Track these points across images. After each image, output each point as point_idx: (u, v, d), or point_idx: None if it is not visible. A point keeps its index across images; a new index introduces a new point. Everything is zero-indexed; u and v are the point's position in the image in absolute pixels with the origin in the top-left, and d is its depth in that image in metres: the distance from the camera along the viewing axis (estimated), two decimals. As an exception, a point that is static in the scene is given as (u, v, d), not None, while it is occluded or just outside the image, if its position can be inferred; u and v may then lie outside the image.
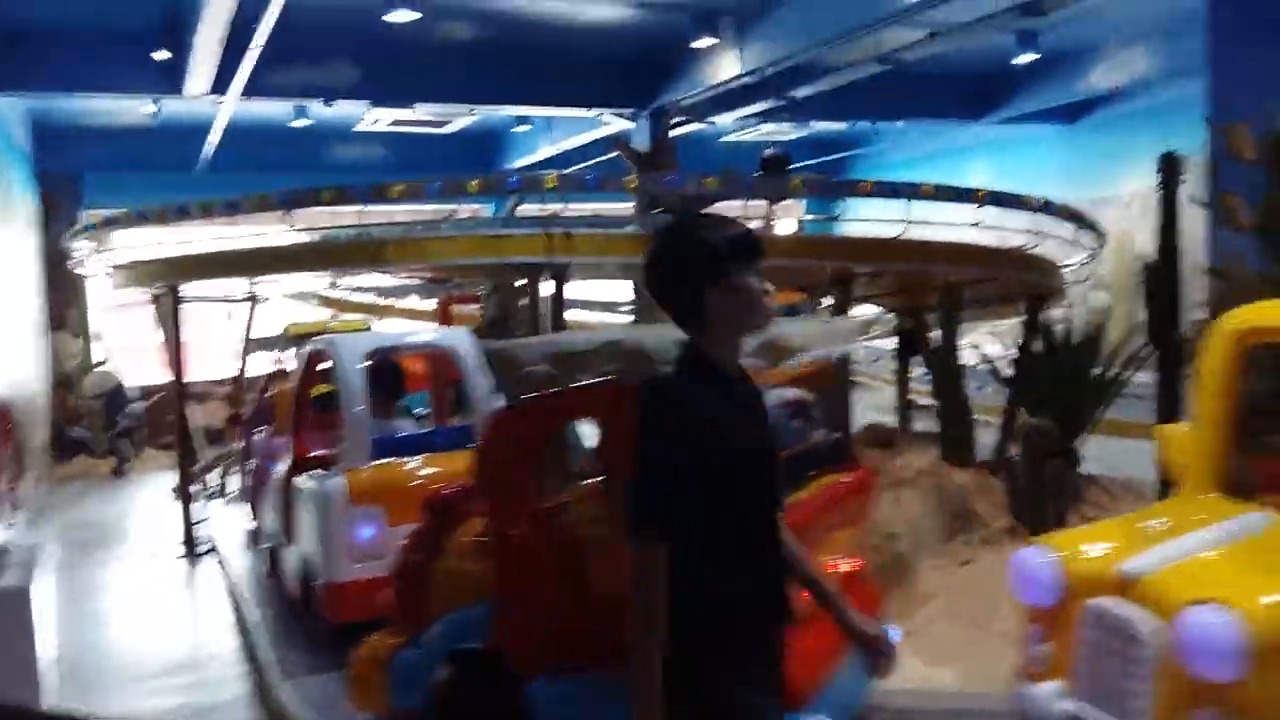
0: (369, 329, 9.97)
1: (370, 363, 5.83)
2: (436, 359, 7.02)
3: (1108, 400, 7.05)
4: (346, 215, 9.46)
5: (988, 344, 9.40)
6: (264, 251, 7.62)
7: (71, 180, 14.62)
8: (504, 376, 4.17)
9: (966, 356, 8.21)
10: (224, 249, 7.58)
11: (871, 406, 13.26)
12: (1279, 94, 5.99)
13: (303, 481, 5.79)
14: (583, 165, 15.64)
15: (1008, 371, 8.20)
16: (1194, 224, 6.50)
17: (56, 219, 13.93)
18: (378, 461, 5.49)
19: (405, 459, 5.60)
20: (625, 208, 10.12)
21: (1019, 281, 8.88)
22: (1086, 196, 14.09)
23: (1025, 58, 11.63)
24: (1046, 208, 8.23)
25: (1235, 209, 5.99)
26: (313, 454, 5.95)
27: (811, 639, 2.62)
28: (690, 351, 2.19)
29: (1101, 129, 14.25)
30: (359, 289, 11.60)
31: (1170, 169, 6.56)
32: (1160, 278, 6.60)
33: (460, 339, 6.24)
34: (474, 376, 5.84)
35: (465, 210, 12.27)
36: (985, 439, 7.82)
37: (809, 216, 13.81)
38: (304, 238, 7.72)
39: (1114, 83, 12.25)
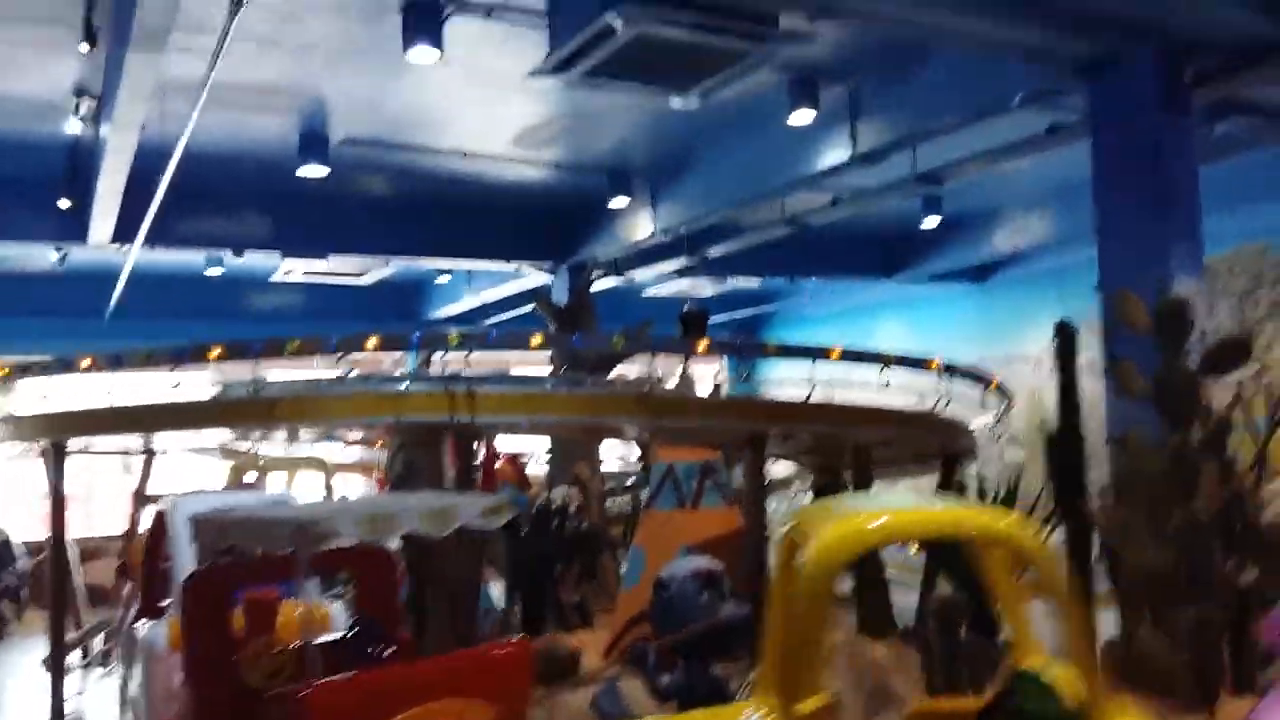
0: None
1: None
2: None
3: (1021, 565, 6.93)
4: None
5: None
6: (151, 408, 7.26)
7: (-31, 327, 14.13)
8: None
9: None
10: (107, 405, 7.20)
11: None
12: (1164, 262, 6.20)
13: (137, 628, 6.16)
14: (503, 317, 15.65)
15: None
16: (1097, 387, 6.56)
17: (-51, 366, 13.39)
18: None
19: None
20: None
21: (931, 441, 8.90)
22: (998, 354, 14.41)
23: (931, 221, 12.01)
24: (949, 370, 8.29)
25: (1130, 377, 6.04)
26: (159, 604, 6.20)
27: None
28: None
29: (1009, 288, 14.68)
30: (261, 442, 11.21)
31: (1064, 338, 6.63)
32: (1063, 447, 6.59)
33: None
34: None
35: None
36: (909, 600, 7.64)
37: (726, 375, 13.91)
38: (194, 394, 7.39)
39: (1016, 245, 12.69)
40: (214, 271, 13.28)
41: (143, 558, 6.72)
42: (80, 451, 9.63)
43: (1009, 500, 9.01)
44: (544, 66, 5.82)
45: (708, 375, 12.88)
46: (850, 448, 8.78)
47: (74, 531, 12.22)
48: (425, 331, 6.95)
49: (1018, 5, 5.40)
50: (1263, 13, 5.78)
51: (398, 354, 10.51)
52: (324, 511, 4.22)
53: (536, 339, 7.18)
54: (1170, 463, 5.75)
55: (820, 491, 9.88)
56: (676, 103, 6.42)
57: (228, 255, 11.76)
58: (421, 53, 6.62)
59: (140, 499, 10.89)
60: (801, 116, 8.02)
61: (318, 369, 7.04)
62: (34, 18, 6.33)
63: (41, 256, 12.01)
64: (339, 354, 6.88)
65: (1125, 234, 6.39)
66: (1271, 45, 6.01)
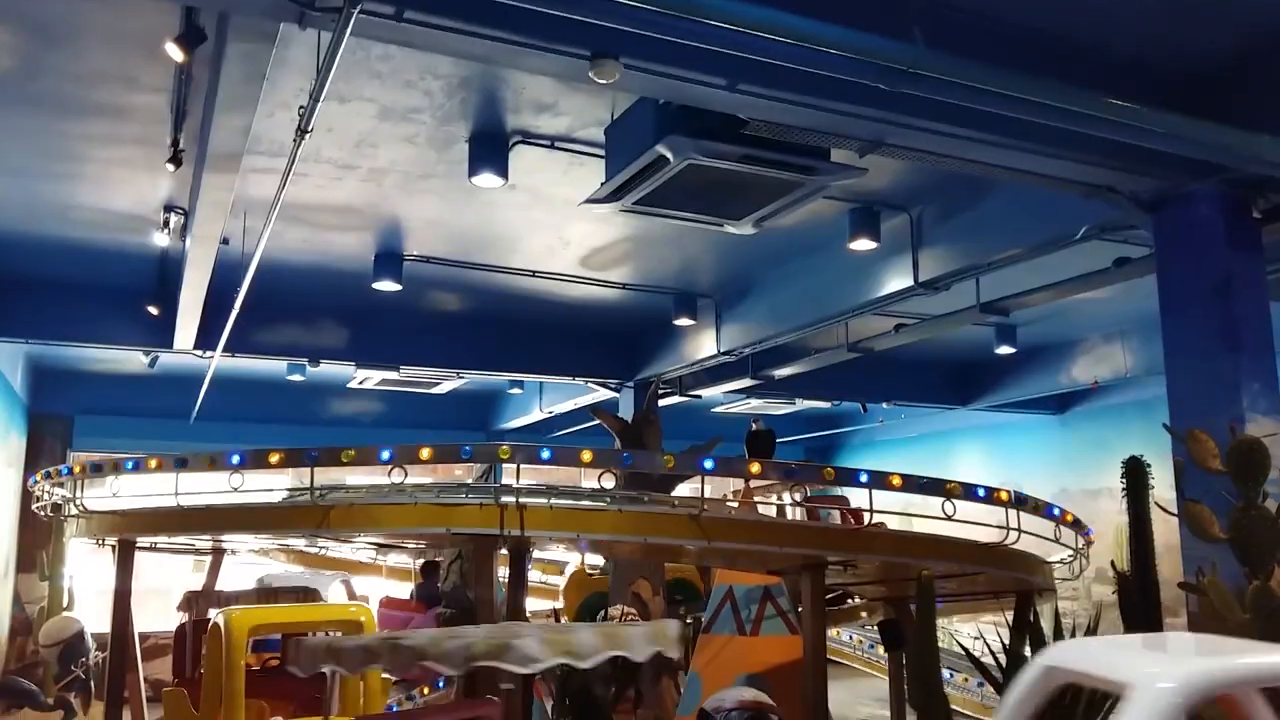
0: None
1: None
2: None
3: (1101, 712, 6.52)
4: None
5: (991, 634, 8.95)
6: (212, 510, 7.44)
7: (62, 422, 14.78)
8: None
9: (968, 646, 7.75)
10: (169, 506, 7.40)
11: (868, 696, 12.55)
12: (1236, 400, 5.96)
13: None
14: (573, 429, 15.73)
15: (998, 674, 7.67)
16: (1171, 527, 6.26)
17: (41, 459, 13.96)
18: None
19: None
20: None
21: (1004, 576, 8.55)
22: (1080, 487, 13.92)
23: (1004, 349, 11.80)
24: (1019, 503, 7.98)
25: (1205, 520, 5.76)
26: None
27: None
28: None
29: (1091, 419, 14.25)
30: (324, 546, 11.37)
31: (1135, 474, 6.37)
32: (1134, 589, 6.27)
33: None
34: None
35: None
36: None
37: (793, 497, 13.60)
38: (254, 498, 7.55)
39: (1095, 376, 12.35)
40: (295, 378, 13.74)
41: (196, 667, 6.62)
42: (148, 549, 9.89)
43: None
44: (598, 195, 5.96)
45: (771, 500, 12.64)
46: (916, 580, 8.48)
47: (145, 625, 12.49)
48: (477, 444, 6.97)
49: (1073, 142, 5.36)
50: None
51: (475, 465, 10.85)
52: (506, 634, 3.89)
53: (587, 456, 7.15)
54: (1251, 609, 5.42)
55: (885, 626, 9.52)
56: (731, 230, 6.49)
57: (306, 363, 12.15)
58: (487, 179, 6.88)
59: (209, 596, 11.08)
60: (862, 244, 8.04)
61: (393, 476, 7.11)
62: (128, 139, 6.76)
63: (133, 359, 12.56)
64: (391, 465, 6.95)
65: (1195, 371, 6.18)
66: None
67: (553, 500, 7.47)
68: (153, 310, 9.73)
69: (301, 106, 4.75)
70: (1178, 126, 5.15)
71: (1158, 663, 2.90)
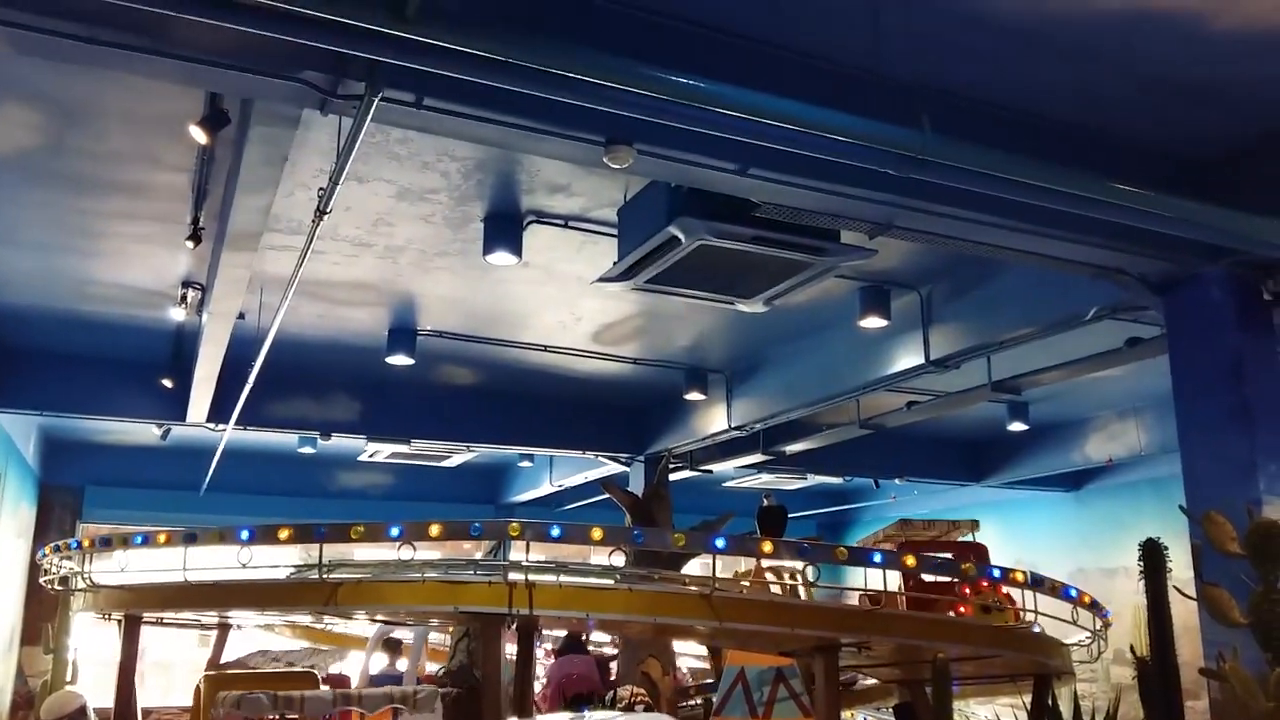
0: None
1: None
2: None
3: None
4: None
5: (1009, 717, 8.75)
6: (218, 586, 7.39)
7: (72, 493, 14.77)
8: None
9: None
10: (177, 581, 7.35)
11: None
12: (1253, 482, 5.89)
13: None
14: (583, 503, 15.63)
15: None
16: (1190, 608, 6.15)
17: (50, 530, 13.93)
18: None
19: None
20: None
21: (1021, 658, 8.38)
22: (1097, 565, 13.72)
23: (1017, 426, 11.75)
24: (1035, 584, 7.87)
25: (1224, 605, 5.66)
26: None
27: None
28: None
29: (1106, 497, 14.10)
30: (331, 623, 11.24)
31: (1151, 556, 6.28)
32: (1154, 674, 6.14)
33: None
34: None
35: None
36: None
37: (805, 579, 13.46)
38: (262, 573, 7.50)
39: (1109, 454, 12.26)
40: (306, 450, 13.74)
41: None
42: (153, 623, 9.80)
43: (1110, 724, 8.37)
44: (610, 274, 6.01)
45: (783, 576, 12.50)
46: (932, 662, 8.31)
47: (150, 700, 12.30)
48: (486, 521, 6.94)
49: (1081, 225, 5.39)
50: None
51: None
52: None
53: (598, 533, 7.11)
54: (1275, 697, 5.30)
55: (901, 709, 9.31)
56: (743, 308, 6.52)
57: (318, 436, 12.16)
58: (501, 257, 6.95)
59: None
60: (872, 322, 8.06)
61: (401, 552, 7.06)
62: (147, 216, 6.87)
63: (145, 431, 12.59)
64: (400, 541, 6.92)
65: (1210, 452, 6.13)
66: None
67: (562, 578, 7.41)
68: (166, 383, 9.79)
69: (321, 188, 4.83)
70: (1185, 211, 5.19)
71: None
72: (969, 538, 10.87)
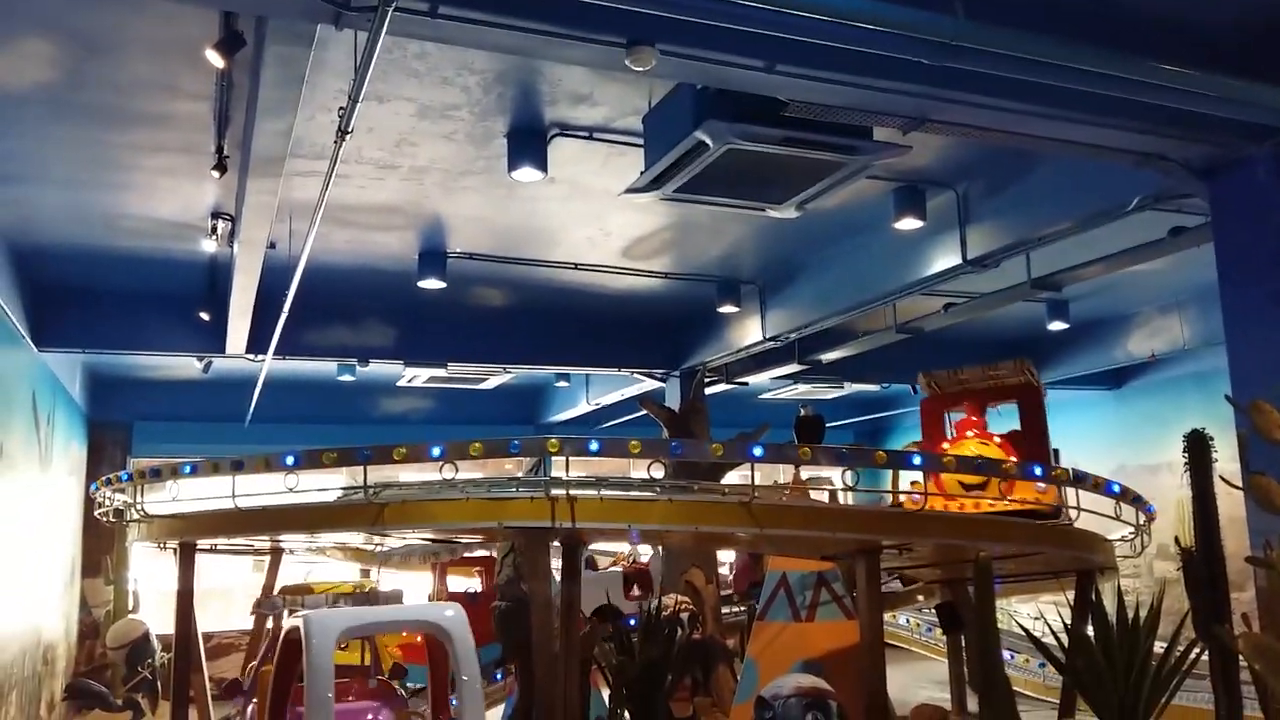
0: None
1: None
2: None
3: (1167, 690, 6.39)
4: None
5: (1052, 614, 8.81)
6: (268, 511, 7.52)
7: (120, 429, 15.09)
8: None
9: (1028, 627, 7.64)
10: (227, 508, 7.51)
11: (927, 679, 12.43)
12: (1300, 371, 5.79)
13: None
14: (620, 420, 15.74)
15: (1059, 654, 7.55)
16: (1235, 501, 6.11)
17: (101, 466, 14.27)
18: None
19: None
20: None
21: (1063, 555, 8.40)
22: (1139, 463, 13.65)
23: (1057, 325, 11.58)
24: (1078, 480, 7.83)
25: (1271, 492, 5.60)
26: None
27: None
28: None
29: (1148, 393, 13.96)
30: (379, 545, 11.45)
31: (1196, 447, 6.21)
32: (1200, 564, 6.12)
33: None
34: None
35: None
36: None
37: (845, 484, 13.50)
38: (310, 498, 7.64)
39: (1152, 349, 12.08)
40: (346, 378, 13.90)
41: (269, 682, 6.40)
42: (208, 551, 10.05)
43: (1151, 625, 8.39)
44: (638, 184, 5.93)
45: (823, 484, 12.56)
46: (973, 562, 8.35)
47: (210, 625, 12.70)
48: (525, 439, 6.98)
49: (1122, 110, 5.22)
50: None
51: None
52: None
53: (635, 446, 7.13)
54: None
55: (943, 609, 9.39)
56: (774, 214, 6.42)
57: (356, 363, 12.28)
58: (526, 173, 6.88)
59: (270, 598, 11.23)
60: (908, 224, 7.92)
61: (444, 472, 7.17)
62: (172, 147, 6.86)
63: (188, 365, 12.79)
64: (442, 461, 6.99)
65: (1257, 340, 6.01)
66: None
67: (603, 491, 7.48)
68: (204, 316, 9.89)
69: (341, 108, 4.77)
70: (1230, 89, 5.00)
71: None
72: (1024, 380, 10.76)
